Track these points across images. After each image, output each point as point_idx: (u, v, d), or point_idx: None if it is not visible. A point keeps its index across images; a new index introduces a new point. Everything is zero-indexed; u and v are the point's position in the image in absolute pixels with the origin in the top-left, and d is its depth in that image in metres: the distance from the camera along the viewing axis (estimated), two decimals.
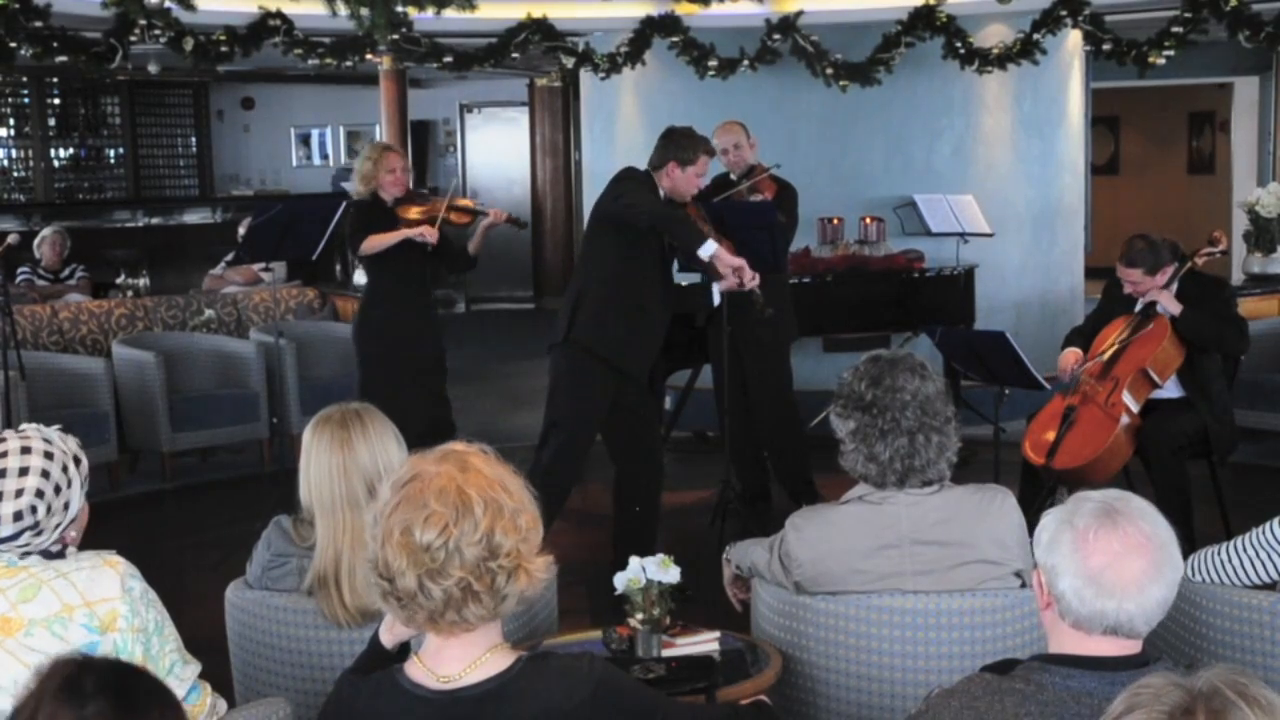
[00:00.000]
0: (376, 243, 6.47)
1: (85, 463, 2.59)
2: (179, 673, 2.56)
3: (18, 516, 2.44)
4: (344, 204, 6.87)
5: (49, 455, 2.50)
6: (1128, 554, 2.01)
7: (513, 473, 2.15)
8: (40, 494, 2.45)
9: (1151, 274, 5.51)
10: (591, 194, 9.56)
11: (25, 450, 2.48)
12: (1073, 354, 5.63)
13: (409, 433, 3.23)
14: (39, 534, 2.47)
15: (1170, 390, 5.50)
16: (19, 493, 2.44)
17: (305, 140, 16.73)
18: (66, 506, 2.51)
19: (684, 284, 6.33)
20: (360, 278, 9.22)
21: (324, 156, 16.76)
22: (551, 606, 3.55)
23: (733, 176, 6.73)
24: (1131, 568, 2.01)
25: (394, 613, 2.10)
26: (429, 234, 6.47)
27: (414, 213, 6.59)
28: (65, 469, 2.51)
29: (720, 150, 6.56)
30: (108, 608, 2.45)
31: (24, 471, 2.45)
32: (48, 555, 2.48)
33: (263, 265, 8.71)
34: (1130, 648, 2.04)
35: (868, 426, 3.11)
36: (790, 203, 6.60)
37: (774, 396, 6.58)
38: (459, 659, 2.10)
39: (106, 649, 2.44)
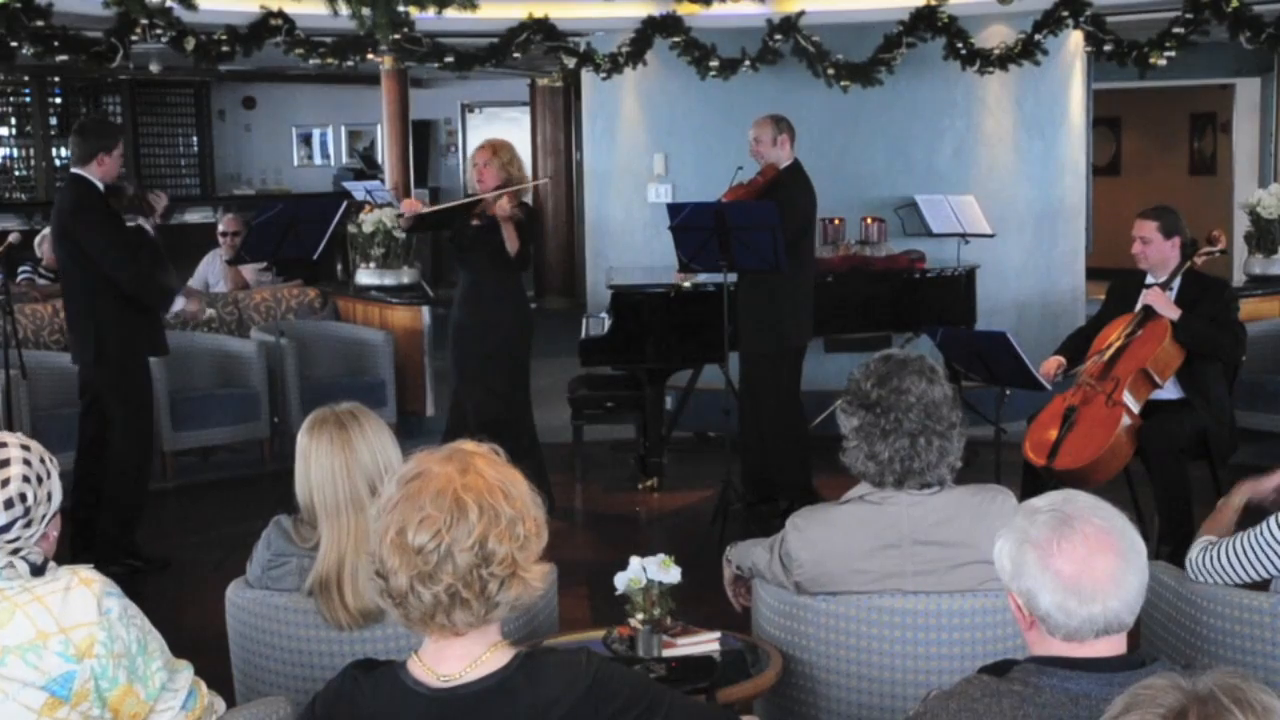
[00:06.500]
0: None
1: (56, 462, 2.58)
2: (170, 687, 2.52)
3: (9, 504, 2.43)
4: (344, 204, 6.85)
5: (25, 447, 2.50)
6: (1095, 554, 2.02)
7: (518, 477, 2.14)
8: (26, 480, 2.45)
9: (1165, 235, 5.51)
10: (592, 194, 9.57)
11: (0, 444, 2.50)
12: (1055, 361, 5.63)
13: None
14: (29, 524, 2.46)
15: (1170, 392, 5.49)
16: (5, 482, 2.44)
17: (306, 140, 16.76)
18: (50, 497, 2.51)
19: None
20: (367, 278, 9.11)
21: (325, 156, 16.78)
22: (552, 607, 3.55)
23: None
24: (1103, 566, 2.01)
25: (390, 610, 2.10)
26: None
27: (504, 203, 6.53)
28: (42, 460, 2.52)
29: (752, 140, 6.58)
30: (84, 633, 2.38)
31: (4, 463, 2.45)
32: (33, 570, 2.44)
33: (262, 265, 8.70)
34: (1121, 643, 2.05)
35: (870, 425, 3.11)
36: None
37: (774, 404, 6.54)
38: (459, 658, 2.11)
39: (84, 676, 2.38)
